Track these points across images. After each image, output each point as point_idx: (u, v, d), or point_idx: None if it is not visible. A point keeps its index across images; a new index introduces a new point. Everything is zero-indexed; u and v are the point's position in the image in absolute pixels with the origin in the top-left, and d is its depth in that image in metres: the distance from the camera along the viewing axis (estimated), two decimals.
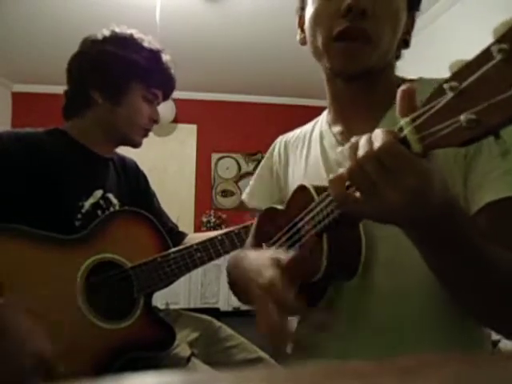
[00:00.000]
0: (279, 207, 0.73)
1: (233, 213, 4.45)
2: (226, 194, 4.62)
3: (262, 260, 0.58)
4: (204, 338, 1.14)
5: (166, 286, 1.05)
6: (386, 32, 0.62)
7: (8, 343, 0.75)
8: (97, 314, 0.95)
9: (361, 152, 0.40)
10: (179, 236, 1.23)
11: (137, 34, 1.07)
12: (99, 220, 0.99)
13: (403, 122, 0.38)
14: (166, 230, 1.10)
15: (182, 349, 1.06)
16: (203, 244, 1.03)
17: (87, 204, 1.01)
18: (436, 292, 0.58)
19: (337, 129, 0.74)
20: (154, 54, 1.07)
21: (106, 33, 1.06)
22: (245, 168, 4.64)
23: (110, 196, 1.07)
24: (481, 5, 2.34)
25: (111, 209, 1.05)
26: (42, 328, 0.79)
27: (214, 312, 3.73)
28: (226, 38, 3.24)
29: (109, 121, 1.06)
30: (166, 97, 1.14)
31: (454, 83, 0.34)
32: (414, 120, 0.37)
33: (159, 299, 3.47)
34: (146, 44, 1.06)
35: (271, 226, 0.72)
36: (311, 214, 0.56)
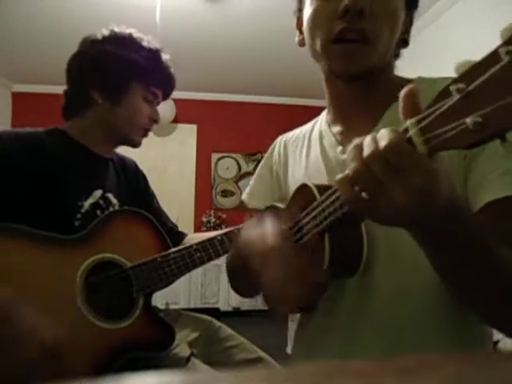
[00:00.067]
0: (280, 205, 0.73)
1: (233, 213, 4.46)
2: (225, 193, 4.63)
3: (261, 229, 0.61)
4: (204, 337, 1.14)
5: (166, 286, 1.05)
6: (384, 32, 0.62)
7: (12, 334, 0.75)
8: (96, 314, 0.95)
9: (366, 151, 0.40)
10: (179, 236, 1.23)
11: (136, 34, 1.07)
12: (99, 220, 0.99)
13: (409, 123, 0.38)
14: (165, 230, 1.10)
15: (181, 349, 1.06)
16: (203, 244, 1.03)
17: (86, 204, 1.01)
18: (437, 290, 0.58)
19: (336, 129, 0.74)
20: (154, 54, 1.07)
21: (106, 32, 1.06)
22: (245, 168, 4.64)
23: (110, 196, 1.07)
24: (482, 4, 2.34)
25: (111, 209, 1.05)
26: (46, 320, 0.79)
27: (214, 312, 3.73)
28: (225, 38, 3.25)
29: (108, 121, 1.06)
30: (165, 96, 1.14)
31: (460, 85, 0.33)
32: (419, 121, 0.37)
33: (159, 299, 3.47)
34: (145, 43, 1.06)
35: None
36: (313, 213, 0.56)
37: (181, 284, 3.91)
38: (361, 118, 0.68)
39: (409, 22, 0.69)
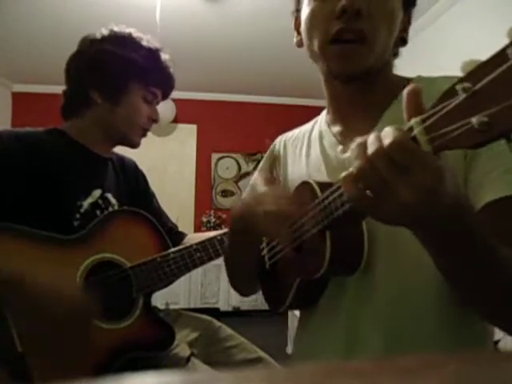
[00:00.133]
0: None
1: None
2: (225, 194, 4.63)
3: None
4: (204, 337, 1.14)
5: (166, 286, 1.05)
6: (381, 31, 0.62)
7: (39, 297, 0.83)
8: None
9: (370, 149, 0.39)
10: (178, 236, 1.23)
11: (135, 33, 1.07)
12: (98, 220, 0.99)
13: (413, 121, 0.38)
14: (165, 230, 1.09)
15: (181, 349, 1.06)
16: (203, 244, 1.03)
17: (86, 204, 1.01)
18: (439, 289, 0.58)
19: (336, 128, 0.74)
20: (153, 53, 1.07)
21: (105, 32, 1.06)
22: (245, 168, 4.64)
23: (109, 196, 1.07)
24: (481, 5, 2.34)
25: (110, 208, 1.05)
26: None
27: (214, 312, 3.73)
28: (225, 38, 3.25)
29: (107, 121, 1.06)
30: (165, 96, 1.14)
31: (466, 84, 0.33)
32: (424, 120, 0.37)
33: (159, 299, 3.47)
34: (144, 43, 1.06)
35: None
36: (315, 211, 0.56)
37: (181, 284, 3.91)
38: (360, 117, 0.68)
39: (407, 21, 0.69)
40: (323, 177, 0.70)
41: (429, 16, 2.71)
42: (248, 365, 1.08)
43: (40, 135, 1.01)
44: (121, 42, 1.04)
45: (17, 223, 0.90)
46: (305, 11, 0.66)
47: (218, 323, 1.19)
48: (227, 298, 4.08)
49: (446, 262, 0.48)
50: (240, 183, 4.62)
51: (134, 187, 1.18)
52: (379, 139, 0.39)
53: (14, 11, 2.82)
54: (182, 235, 1.24)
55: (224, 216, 4.42)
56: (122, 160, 1.19)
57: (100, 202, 1.04)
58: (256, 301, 3.88)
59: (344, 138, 0.71)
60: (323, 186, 0.57)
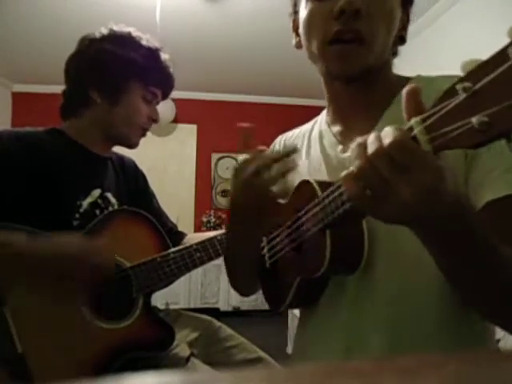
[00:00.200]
0: (281, 202, 0.73)
1: None
2: (226, 194, 4.62)
3: None
4: (204, 337, 1.14)
5: (166, 286, 1.05)
6: (380, 31, 0.61)
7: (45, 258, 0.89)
8: (96, 314, 0.95)
9: (370, 149, 0.40)
10: (178, 236, 1.23)
11: (135, 32, 1.07)
12: (98, 219, 0.99)
13: (413, 121, 0.38)
14: (165, 229, 1.09)
15: (181, 349, 1.06)
16: (203, 244, 1.03)
17: (85, 203, 1.01)
18: (439, 288, 0.58)
19: (336, 128, 0.74)
20: (153, 53, 1.06)
21: (104, 31, 1.05)
22: None
23: (109, 195, 1.07)
24: (480, 5, 2.34)
25: (109, 208, 1.05)
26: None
27: (214, 312, 3.73)
28: (226, 38, 3.25)
29: (107, 120, 1.05)
30: (165, 96, 1.14)
31: (467, 84, 0.33)
32: (424, 120, 0.37)
33: (159, 299, 3.47)
34: (144, 42, 1.06)
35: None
36: (315, 210, 0.56)
37: (181, 284, 3.91)
38: (360, 117, 0.68)
39: (405, 19, 0.68)
40: (323, 176, 0.70)
41: (429, 16, 2.71)
42: (248, 365, 1.08)
43: (40, 135, 1.01)
44: (120, 42, 1.04)
45: (17, 223, 0.90)
46: (303, 12, 0.66)
47: (217, 323, 1.19)
48: (227, 298, 4.08)
49: (446, 262, 0.48)
50: None
51: (134, 187, 1.18)
52: (379, 139, 0.39)
53: (13, 11, 2.82)
54: (181, 235, 1.24)
55: (224, 216, 4.42)
56: (121, 160, 1.19)
57: (100, 201, 1.04)
58: (256, 301, 3.88)
59: (344, 138, 0.71)
60: (323, 185, 0.57)
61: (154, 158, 4.20)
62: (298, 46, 0.73)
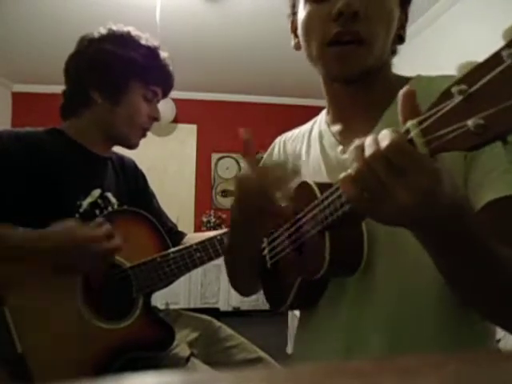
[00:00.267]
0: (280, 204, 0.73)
1: None
2: (226, 193, 4.62)
3: None
4: (204, 337, 1.14)
5: (166, 286, 1.05)
6: (379, 32, 0.61)
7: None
8: (96, 314, 0.95)
9: (368, 152, 0.40)
10: (178, 236, 1.23)
11: (134, 32, 1.06)
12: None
13: (410, 124, 0.38)
14: (165, 229, 1.09)
15: (181, 349, 1.06)
16: (202, 244, 1.03)
17: (85, 203, 1.01)
18: (439, 289, 0.58)
19: (336, 128, 0.74)
20: (152, 51, 1.06)
21: (103, 31, 1.05)
22: None
23: (109, 195, 1.07)
24: (480, 5, 2.34)
25: (109, 208, 1.05)
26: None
27: (214, 312, 3.73)
28: (225, 38, 3.25)
29: (107, 120, 1.05)
30: (165, 94, 1.14)
31: (462, 86, 0.33)
32: (420, 123, 0.37)
33: (159, 299, 3.47)
34: (143, 41, 1.06)
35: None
36: (314, 211, 0.56)
37: (181, 284, 3.91)
38: (360, 118, 0.68)
39: (404, 18, 0.68)
40: (323, 176, 0.70)
41: (429, 16, 2.71)
42: (248, 365, 1.08)
43: (40, 135, 1.01)
44: (120, 41, 1.04)
45: (17, 223, 0.90)
46: (301, 14, 0.66)
47: (217, 323, 1.19)
48: (227, 298, 4.08)
49: (445, 263, 0.48)
50: None
51: (134, 187, 1.18)
52: (376, 141, 0.40)
53: (14, 11, 2.82)
54: (181, 235, 1.24)
55: (224, 216, 4.42)
56: (121, 159, 1.19)
57: (99, 201, 1.04)
58: (256, 301, 3.88)
59: (344, 138, 0.71)
60: (322, 186, 0.57)
61: (153, 158, 4.20)
62: (297, 47, 0.73)
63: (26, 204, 0.92)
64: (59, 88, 1.10)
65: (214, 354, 1.10)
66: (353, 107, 0.70)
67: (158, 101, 1.12)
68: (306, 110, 2.90)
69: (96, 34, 1.05)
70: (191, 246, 1.03)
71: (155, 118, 1.11)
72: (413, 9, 0.70)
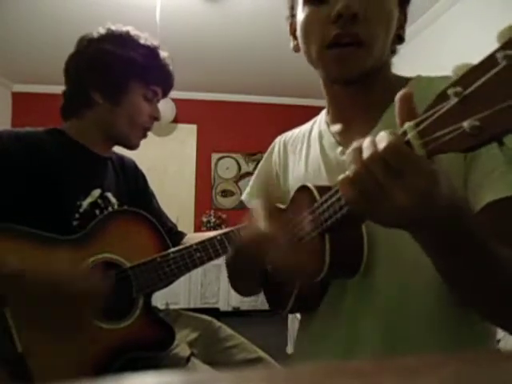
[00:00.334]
0: (280, 206, 0.73)
1: (233, 213, 4.46)
2: (225, 194, 4.63)
3: None
4: (204, 337, 1.14)
5: (166, 286, 1.05)
6: (378, 34, 0.61)
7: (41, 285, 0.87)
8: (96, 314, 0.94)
9: (365, 154, 0.40)
10: (178, 236, 1.23)
11: (133, 31, 1.06)
12: (98, 220, 0.99)
13: (407, 126, 0.38)
14: (165, 230, 1.09)
15: (181, 349, 1.06)
16: (203, 244, 1.03)
17: (85, 203, 1.01)
18: (439, 290, 0.58)
19: (335, 129, 0.74)
20: (152, 51, 1.06)
21: (102, 31, 1.05)
22: (245, 168, 4.64)
23: (109, 195, 1.07)
24: (480, 5, 2.34)
25: (109, 208, 1.05)
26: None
27: (214, 312, 3.73)
28: (225, 38, 3.25)
29: (108, 121, 1.05)
30: (165, 94, 1.14)
31: (458, 88, 0.33)
32: (417, 125, 0.37)
33: (159, 299, 3.47)
34: (142, 41, 1.06)
35: None
36: (314, 214, 0.56)
37: (181, 284, 3.91)
38: (360, 118, 0.68)
39: (403, 19, 0.68)
40: (322, 177, 0.70)
41: (429, 16, 2.71)
42: (248, 365, 1.08)
43: (40, 135, 1.00)
44: (119, 41, 1.03)
45: (17, 223, 0.90)
46: (300, 16, 0.66)
47: (217, 323, 1.19)
48: (227, 298, 4.08)
49: (444, 264, 0.48)
50: (240, 183, 4.62)
51: (134, 187, 1.18)
52: (374, 144, 0.40)
53: (14, 11, 2.82)
54: (181, 235, 1.24)
55: (224, 216, 4.42)
56: (121, 159, 1.19)
57: (99, 201, 1.04)
58: (256, 301, 3.88)
59: (343, 138, 0.71)
60: (322, 189, 0.57)
61: (154, 158, 4.20)
62: (296, 49, 0.73)
63: (26, 204, 0.92)
64: (59, 88, 1.10)
65: (214, 354, 1.10)
66: (352, 108, 0.70)
67: (158, 100, 1.12)
68: (305, 110, 2.90)
69: (95, 34, 1.05)
70: (191, 246, 1.03)
71: (156, 117, 1.11)
72: (412, 9, 0.70)
